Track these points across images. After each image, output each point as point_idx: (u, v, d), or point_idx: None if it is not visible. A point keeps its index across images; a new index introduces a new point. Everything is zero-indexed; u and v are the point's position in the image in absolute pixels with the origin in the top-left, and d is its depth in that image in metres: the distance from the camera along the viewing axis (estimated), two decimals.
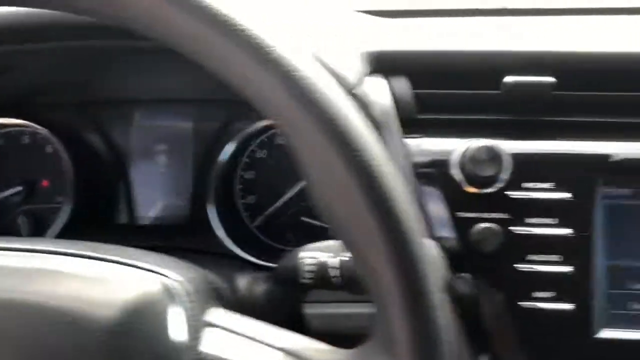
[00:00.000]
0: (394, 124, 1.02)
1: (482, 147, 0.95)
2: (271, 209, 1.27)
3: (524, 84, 1.01)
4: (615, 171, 0.98)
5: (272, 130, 1.27)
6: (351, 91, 0.99)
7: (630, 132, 1.00)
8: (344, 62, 1.00)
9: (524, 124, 1.03)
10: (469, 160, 0.95)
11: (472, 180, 0.96)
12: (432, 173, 1.00)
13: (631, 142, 0.98)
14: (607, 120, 1.01)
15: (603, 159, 0.98)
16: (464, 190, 0.98)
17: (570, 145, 0.99)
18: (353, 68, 1.01)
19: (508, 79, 1.01)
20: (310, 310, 1.06)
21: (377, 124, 1.01)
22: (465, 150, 0.96)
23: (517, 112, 1.03)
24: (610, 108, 1.02)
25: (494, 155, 0.94)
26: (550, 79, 1.00)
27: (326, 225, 1.13)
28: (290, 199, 1.26)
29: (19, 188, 1.24)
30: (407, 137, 1.03)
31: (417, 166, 1.01)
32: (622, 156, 0.98)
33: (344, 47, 1.04)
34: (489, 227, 0.93)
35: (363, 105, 0.99)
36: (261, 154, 1.29)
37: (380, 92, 1.03)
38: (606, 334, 0.94)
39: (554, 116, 1.03)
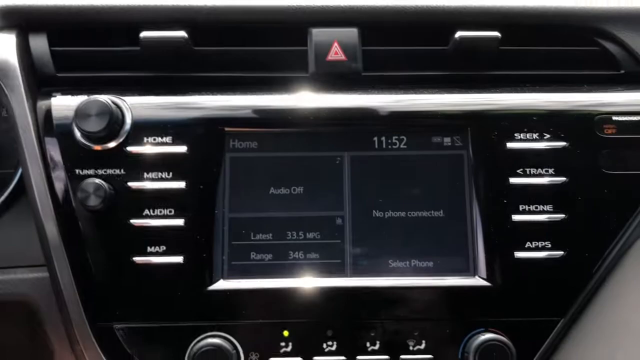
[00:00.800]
0: (18, 82, 0.98)
1: (91, 102, 0.93)
2: None
3: (160, 40, 1.00)
4: (242, 124, 0.99)
5: None
6: None
7: (257, 86, 1.01)
8: None
9: (159, 80, 1.02)
10: (79, 116, 0.93)
11: (86, 136, 0.94)
12: (57, 131, 0.97)
13: (255, 95, 0.99)
14: (238, 75, 1.02)
15: (230, 112, 0.98)
16: (84, 147, 0.95)
17: (197, 100, 0.98)
18: None
19: (145, 34, 1.00)
20: None
21: None
22: (77, 107, 0.93)
23: (153, 68, 1.02)
24: (242, 63, 1.03)
25: (102, 110, 0.92)
26: (183, 34, 1.00)
27: None
28: None
29: None
30: (45, 96, 1.00)
31: (44, 125, 0.97)
32: (249, 109, 0.99)
33: None
34: (94, 183, 0.91)
35: None
36: None
37: (5, 49, 0.99)
38: (225, 284, 0.94)
39: (190, 72, 1.02)
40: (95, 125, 0.92)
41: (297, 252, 0.96)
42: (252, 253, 0.96)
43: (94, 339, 0.94)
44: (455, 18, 1.03)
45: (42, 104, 0.98)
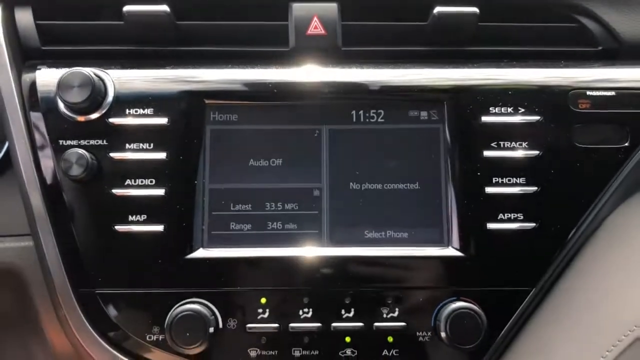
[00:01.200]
0: (3, 55, 1.00)
1: (73, 73, 0.95)
2: None
3: (143, 14, 1.01)
4: (222, 97, 1.01)
5: None
6: None
7: (238, 60, 1.03)
8: None
9: (142, 54, 1.04)
10: (62, 88, 0.95)
11: (69, 107, 0.96)
12: (42, 103, 0.99)
13: (235, 69, 1.01)
14: (219, 49, 1.04)
15: (210, 86, 1.00)
16: (68, 119, 0.97)
17: (179, 73, 1.00)
18: None
19: (128, 8, 1.01)
20: None
21: None
22: (60, 79, 0.95)
23: (136, 42, 1.04)
24: (224, 38, 1.04)
25: (84, 82, 0.94)
26: (165, 8, 1.01)
27: None
28: None
29: None
30: (29, 69, 1.02)
31: (29, 97, 0.99)
32: (229, 83, 1.00)
33: None
34: (76, 153, 0.94)
35: None
36: None
37: None
38: (204, 253, 0.97)
39: (172, 45, 1.04)
40: (77, 96, 0.94)
41: (275, 223, 0.99)
42: (231, 223, 0.99)
43: (77, 304, 0.96)
44: None
45: (27, 77, 1.00)
